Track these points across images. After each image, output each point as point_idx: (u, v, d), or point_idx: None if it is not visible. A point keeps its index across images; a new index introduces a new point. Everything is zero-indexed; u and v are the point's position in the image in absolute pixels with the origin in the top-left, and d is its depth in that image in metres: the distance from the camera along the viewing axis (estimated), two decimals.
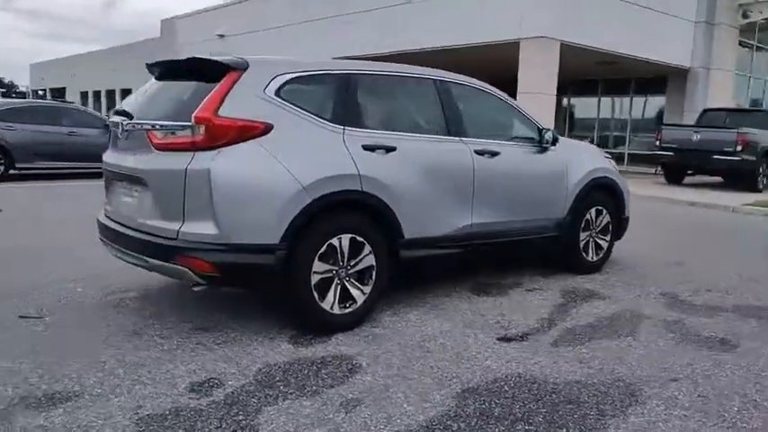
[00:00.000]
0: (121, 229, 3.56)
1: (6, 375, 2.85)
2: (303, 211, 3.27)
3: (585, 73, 19.27)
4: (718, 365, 3.23)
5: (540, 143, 4.67)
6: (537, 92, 14.09)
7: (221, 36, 27.54)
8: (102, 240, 3.92)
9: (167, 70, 3.76)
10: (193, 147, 3.15)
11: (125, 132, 3.50)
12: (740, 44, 19.53)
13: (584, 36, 14.63)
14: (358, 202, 3.53)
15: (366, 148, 3.60)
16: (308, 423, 2.50)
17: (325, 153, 3.47)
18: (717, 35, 18.34)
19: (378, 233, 3.63)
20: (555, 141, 4.66)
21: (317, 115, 3.50)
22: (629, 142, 20.26)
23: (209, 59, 3.36)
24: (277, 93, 3.38)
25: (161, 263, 3.26)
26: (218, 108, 3.16)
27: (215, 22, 26.96)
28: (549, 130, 4.68)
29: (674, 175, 14.24)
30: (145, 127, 3.34)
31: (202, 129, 3.13)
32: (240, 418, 2.53)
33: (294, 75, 3.50)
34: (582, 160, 5.02)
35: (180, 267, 3.18)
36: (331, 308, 3.48)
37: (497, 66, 14.94)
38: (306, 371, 3.01)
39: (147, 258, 3.33)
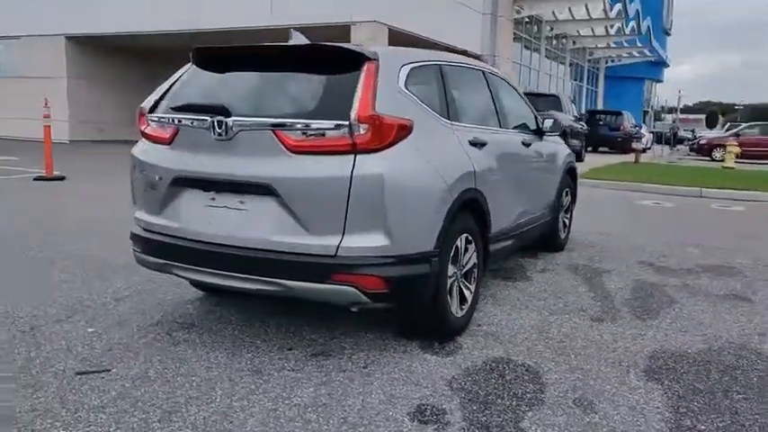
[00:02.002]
0: (218, 249, 2.94)
1: None
2: (448, 213, 3.10)
3: None
4: None
5: (538, 132, 4.96)
6: None
7: None
8: (156, 263, 3.20)
9: (248, 57, 3.17)
10: (353, 149, 2.75)
11: (228, 131, 2.86)
12: (515, 36, 22.40)
13: (408, 22, 15.43)
14: (475, 200, 3.43)
15: (471, 143, 3.50)
16: (580, 430, 2.46)
17: (450, 150, 3.30)
18: (499, 27, 20.77)
19: (478, 230, 3.57)
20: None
21: (432, 109, 3.29)
22: None
23: (342, 47, 2.93)
24: (405, 85, 3.11)
25: (310, 285, 2.80)
26: (375, 104, 2.80)
27: None
28: (549, 119, 4.98)
29: None
30: (289, 126, 2.80)
31: (366, 128, 2.74)
32: None
33: (412, 65, 3.23)
34: (560, 148, 5.46)
35: (342, 288, 2.77)
36: (456, 311, 3.36)
37: None
38: (493, 381, 2.90)
39: (283, 282, 2.82)
